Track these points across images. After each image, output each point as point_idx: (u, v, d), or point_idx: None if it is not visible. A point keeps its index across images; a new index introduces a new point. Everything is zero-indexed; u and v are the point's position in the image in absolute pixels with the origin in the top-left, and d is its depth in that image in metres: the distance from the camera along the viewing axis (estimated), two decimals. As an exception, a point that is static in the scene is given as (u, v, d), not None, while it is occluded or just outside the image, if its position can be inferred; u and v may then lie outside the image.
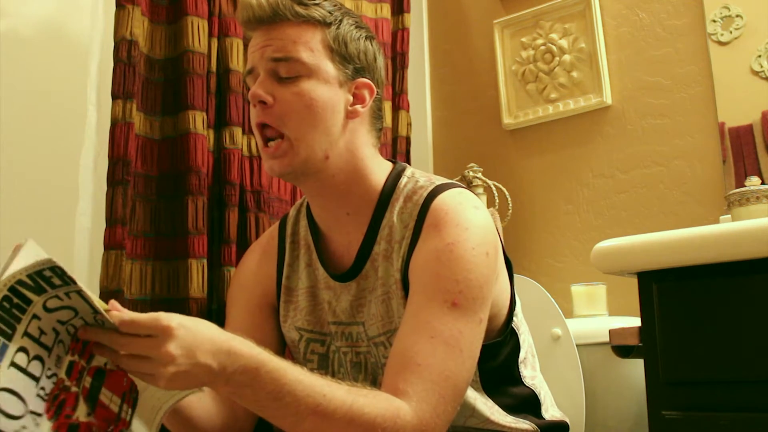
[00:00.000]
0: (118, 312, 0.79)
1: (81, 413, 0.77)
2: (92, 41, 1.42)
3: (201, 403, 1.06)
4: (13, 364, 0.70)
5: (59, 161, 1.73)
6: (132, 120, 1.32)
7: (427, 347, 0.94)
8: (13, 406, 0.71)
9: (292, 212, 1.23)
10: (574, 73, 1.87)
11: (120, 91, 1.33)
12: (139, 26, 1.37)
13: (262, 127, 1.06)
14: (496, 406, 1.11)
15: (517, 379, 1.16)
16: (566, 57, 1.89)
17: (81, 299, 0.73)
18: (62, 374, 0.76)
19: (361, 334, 1.10)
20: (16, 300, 0.69)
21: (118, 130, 1.31)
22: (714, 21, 1.68)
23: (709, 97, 1.68)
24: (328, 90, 1.05)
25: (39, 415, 0.73)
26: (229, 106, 1.47)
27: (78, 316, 0.75)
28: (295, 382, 0.85)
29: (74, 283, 0.71)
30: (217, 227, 1.42)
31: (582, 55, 1.87)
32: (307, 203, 1.19)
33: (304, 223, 1.19)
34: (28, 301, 0.70)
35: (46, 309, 0.72)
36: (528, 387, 1.16)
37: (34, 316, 0.71)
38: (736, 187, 1.49)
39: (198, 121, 1.41)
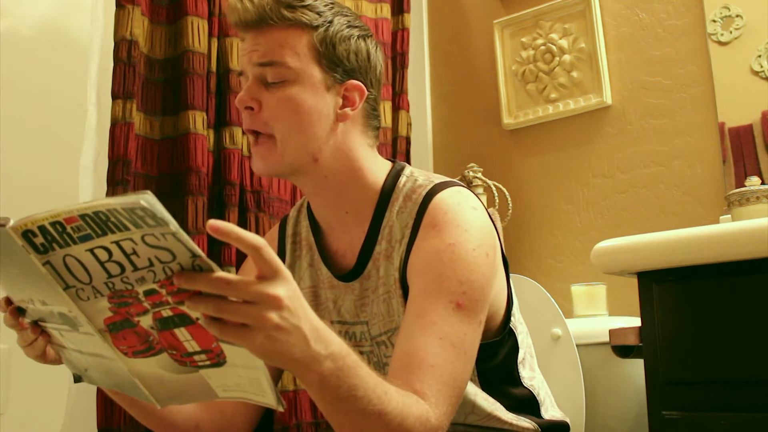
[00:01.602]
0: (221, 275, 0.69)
1: (144, 322, 0.72)
2: (92, 41, 1.41)
3: (184, 409, 1.06)
4: (91, 251, 0.67)
5: (59, 161, 1.73)
6: (132, 120, 1.32)
7: (437, 348, 0.94)
8: (78, 271, 0.68)
9: (292, 213, 1.23)
10: (574, 73, 1.87)
11: (120, 91, 1.33)
12: (139, 26, 1.37)
13: (252, 131, 1.07)
14: (497, 403, 1.11)
15: (516, 380, 1.16)
16: (566, 57, 1.89)
17: (177, 242, 0.66)
18: (139, 288, 0.70)
19: (365, 333, 1.11)
20: (113, 219, 0.64)
21: (118, 130, 1.31)
22: (714, 21, 1.68)
23: (709, 97, 1.68)
24: (315, 95, 1.05)
25: (100, 293, 0.70)
26: (229, 106, 1.47)
27: (176, 260, 0.68)
28: (368, 377, 0.82)
29: (164, 223, 0.64)
30: (217, 227, 1.42)
31: (582, 55, 1.87)
32: (308, 203, 1.19)
33: (305, 223, 1.19)
34: (126, 228, 0.65)
35: (144, 242, 0.66)
36: (526, 388, 1.16)
37: (130, 240, 0.66)
38: (736, 187, 1.49)
39: (198, 121, 1.41)
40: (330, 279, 1.13)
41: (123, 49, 1.33)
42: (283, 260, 1.19)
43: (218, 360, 0.76)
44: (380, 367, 1.10)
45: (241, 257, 1.39)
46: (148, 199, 0.62)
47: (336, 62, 1.06)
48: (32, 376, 1.63)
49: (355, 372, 0.80)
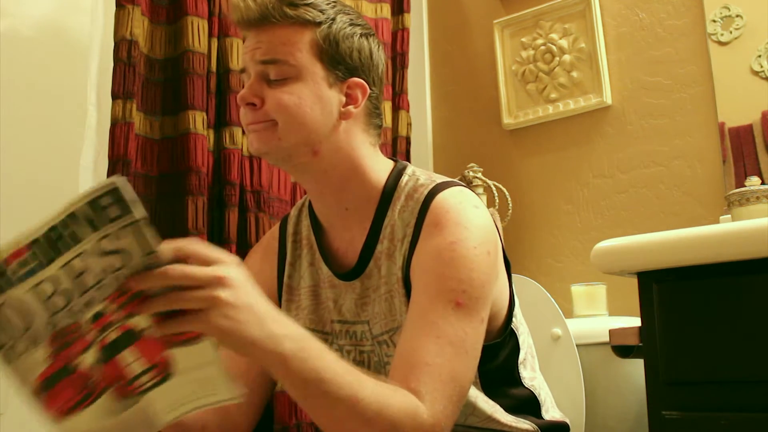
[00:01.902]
0: (174, 245, 0.73)
1: (86, 360, 0.73)
2: (92, 41, 1.42)
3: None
4: (33, 290, 0.67)
5: (59, 161, 1.73)
6: (132, 120, 1.32)
7: (434, 347, 0.94)
8: (14, 320, 0.68)
9: (293, 212, 1.23)
10: (574, 73, 1.87)
11: (120, 91, 1.33)
12: (139, 26, 1.37)
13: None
14: (497, 405, 1.11)
15: (517, 381, 1.16)
16: (566, 57, 1.89)
17: (138, 235, 0.67)
18: (84, 318, 0.71)
19: (366, 332, 1.10)
20: (67, 232, 0.65)
21: (118, 130, 1.31)
22: (714, 21, 1.68)
23: (709, 97, 1.68)
24: (318, 92, 1.05)
25: (38, 341, 0.70)
26: (229, 106, 1.47)
27: (129, 262, 0.69)
28: (334, 362, 0.83)
29: (130, 212, 0.66)
30: (217, 227, 1.43)
31: (582, 55, 1.87)
32: (309, 202, 1.19)
33: (306, 222, 1.19)
34: (79, 240, 0.66)
35: (99, 249, 0.67)
36: (527, 388, 1.16)
37: (83, 254, 0.67)
38: (736, 187, 1.49)
39: (198, 121, 1.41)
40: (330, 278, 1.13)
41: (123, 49, 1.33)
42: (285, 259, 1.19)
43: (165, 374, 0.76)
44: (381, 366, 1.09)
45: (241, 257, 1.39)
46: (121, 181, 0.64)
47: (338, 60, 1.07)
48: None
49: (320, 355, 0.82)
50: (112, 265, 0.69)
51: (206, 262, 0.74)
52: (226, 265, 0.75)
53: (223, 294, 0.74)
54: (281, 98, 1.04)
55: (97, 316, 0.71)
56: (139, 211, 0.66)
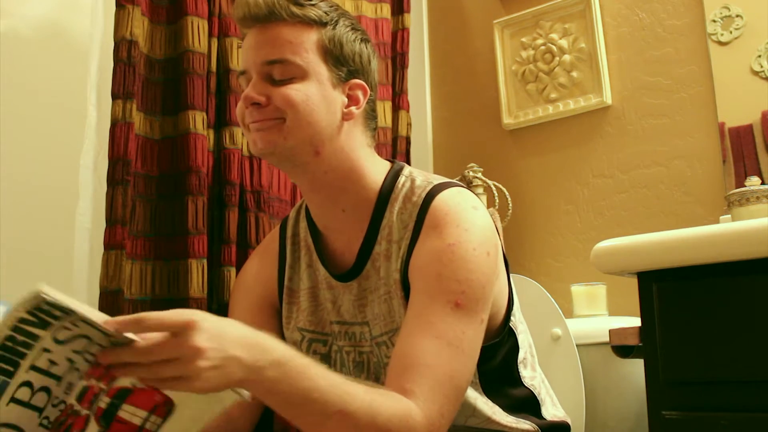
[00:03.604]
0: (137, 315, 0.73)
1: None
2: (92, 41, 1.41)
3: None
4: (14, 400, 0.69)
5: (59, 161, 1.73)
6: (132, 120, 1.32)
7: (432, 348, 0.94)
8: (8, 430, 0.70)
9: (292, 214, 1.23)
10: (574, 73, 1.87)
11: (120, 91, 1.33)
12: (139, 26, 1.37)
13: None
14: (497, 406, 1.11)
15: (517, 380, 1.16)
16: (566, 57, 1.89)
17: (88, 325, 0.69)
18: (72, 400, 0.73)
19: (365, 333, 1.10)
20: (21, 338, 0.67)
21: (118, 130, 1.31)
22: (714, 21, 1.68)
23: (709, 97, 1.68)
24: (323, 92, 1.05)
25: None
26: (229, 106, 1.47)
27: (93, 342, 0.72)
28: (320, 378, 0.83)
29: (71, 312, 0.67)
30: (217, 227, 1.42)
31: (582, 55, 1.87)
32: (306, 204, 1.19)
33: (303, 224, 1.19)
34: (36, 337, 0.68)
35: (57, 341, 0.69)
36: (527, 387, 1.16)
37: (45, 350, 0.69)
38: (736, 187, 1.49)
39: (198, 121, 1.41)
40: (328, 279, 1.13)
41: (123, 49, 1.33)
42: (285, 262, 1.20)
43: (167, 408, 0.78)
44: (381, 367, 1.10)
45: (241, 257, 1.40)
46: (45, 290, 0.65)
47: (342, 61, 1.07)
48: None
49: (305, 375, 0.81)
50: (77, 348, 0.70)
51: (173, 330, 0.73)
52: (194, 331, 0.74)
53: (200, 363, 0.73)
54: (289, 94, 1.03)
55: (84, 392, 0.73)
56: (78, 310, 0.67)
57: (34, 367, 0.69)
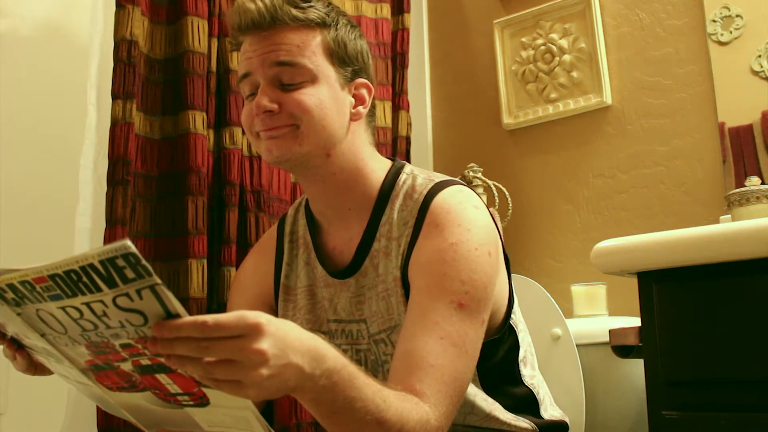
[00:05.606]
0: (197, 317, 0.67)
1: (125, 366, 0.72)
2: (92, 41, 1.41)
3: None
4: (62, 309, 0.66)
5: (59, 161, 1.73)
6: (132, 120, 1.32)
7: (437, 348, 0.94)
8: (52, 323, 0.69)
9: (290, 211, 1.23)
10: (574, 73, 1.87)
11: (120, 91, 1.33)
12: (139, 26, 1.37)
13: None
14: (496, 403, 1.11)
15: (517, 379, 1.16)
16: (566, 57, 1.89)
17: (154, 298, 0.64)
18: (115, 342, 0.69)
19: (363, 331, 1.10)
20: (85, 279, 0.63)
21: (118, 130, 1.31)
22: (714, 21, 1.68)
23: (709, 97, 1.68)
24: (333, 93, 1.05)
25: (77, 342, 0.70)
26: (229, 106, 1.47)
27: (147, 324, 0.66)
28: (366, 387, 0.81)
29: (149, 275, 0.62)
30: (217, 227, 1.43)
31: (582, 55, 1.87)
32: (306, 202, 1.19)
33: (302, 222, 1.19)
34: (98, 288, 0.64)
35: (116, 305, 0.65)
36: (527, 386, 1.16)
37: (101, 302, 0.65)
38: (736, 187, 1.49)
39: (198, 121, 1.41)
40: (325, 277, 1.13)
41: (123, 49, 1.33)
42: (282, 259, 1.19)
43: (201, 401, 0.75)
44: (378, 365, 1.09)
45: (241, 257, 1.40)
46: (129, 244, 0.61)
47: (347, 61, 1.07)
48: (33, 377, 1.63)
49: (352, 384, 0.79)
50: (131, 321, 0.67)
51: (241, 332, 0.68)
52: (263, 334, 0.68)
53: (262, 371, 0.68)
54: (302, 100, 1.02)
55: (126, 346, 0.70)
56: (154, 276, 0.63)
57: (87, 305, 0.66)
